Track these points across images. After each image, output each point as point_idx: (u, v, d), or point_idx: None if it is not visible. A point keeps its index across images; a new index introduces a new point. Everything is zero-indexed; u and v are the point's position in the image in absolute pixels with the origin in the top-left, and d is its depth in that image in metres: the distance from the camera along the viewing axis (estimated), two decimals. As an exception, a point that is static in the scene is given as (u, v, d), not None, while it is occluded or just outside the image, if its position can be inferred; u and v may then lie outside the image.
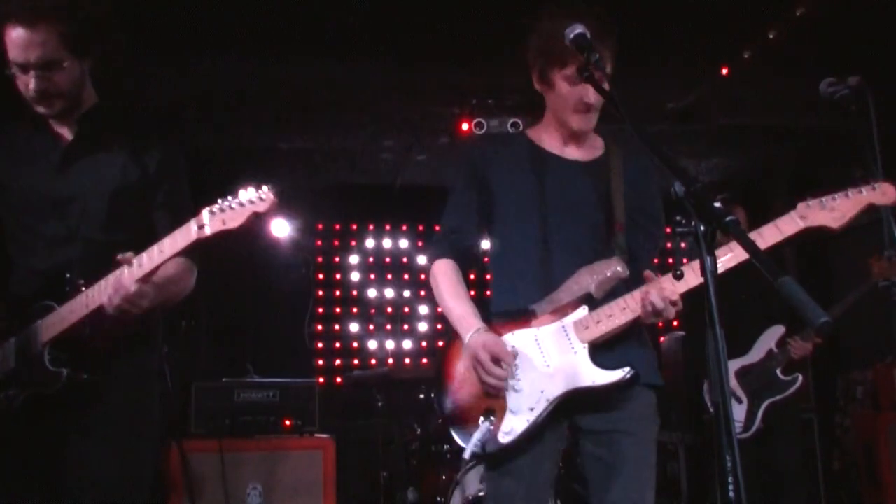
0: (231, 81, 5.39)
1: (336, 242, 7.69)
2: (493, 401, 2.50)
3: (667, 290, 2.42)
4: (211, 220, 2.31)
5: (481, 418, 2.45)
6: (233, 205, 2.31)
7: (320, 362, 7.42)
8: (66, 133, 2.67)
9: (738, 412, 4.53)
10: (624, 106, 2.15)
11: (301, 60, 5.13)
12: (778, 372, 4.60)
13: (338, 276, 7.64)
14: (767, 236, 2.46)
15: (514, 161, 2.71)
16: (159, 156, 2.68)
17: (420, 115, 6.02)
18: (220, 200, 2.32)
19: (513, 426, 2.46)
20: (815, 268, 7.20)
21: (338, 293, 7.62)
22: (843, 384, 6.48)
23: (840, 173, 6.64)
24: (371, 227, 7.75)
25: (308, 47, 4.93)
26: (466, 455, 2.45)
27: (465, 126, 5.73)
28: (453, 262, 2.73)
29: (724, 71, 5.34)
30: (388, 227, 7.78)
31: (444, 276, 2.71)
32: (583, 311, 2.51)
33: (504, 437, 2.45)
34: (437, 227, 2.82)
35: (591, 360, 2.48)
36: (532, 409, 2.46)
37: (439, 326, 7.61)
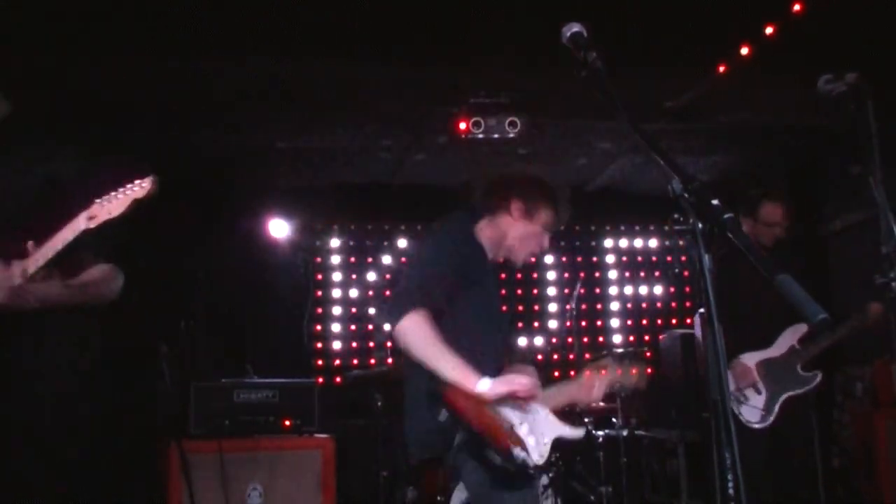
0: (229, 81, 5.38)
1: (335, 242, 7.68)
2: (513, 433, 2.93)
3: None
4: (98, 212, 2.45)
5: (514, 448, 2.87)
6: (117, 195, 2.44)
7: (320, 362, 7.41)
8: None
9: (758, 402, 4.55)
10: (621, 104, 2.15)
11: (298, 59, 5.12)
12: (799, 368, 4.64)
13: (336, 277, 7.63)
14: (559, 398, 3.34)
15: (476, 261, 3.15)
16: (72, 163, 2.76)
17: (418, 114, 6.02)
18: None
19: (541, 452, 3.03)
20: (814, 266, 7.21)
21: (336, 293, 7.60)
22: (842, 381, 6.50)
23: (838, 171, 6.66)
24: (370, 226, 7.74)
25: (305, 46, 4.93)
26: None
27: (462, 125, 5.73)
28: (429, 313, 2.88)
29: (722, 69, 5.34)
30: (386, 227, 7.76)
31: (429, 325, 2.86)
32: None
33: (538, 460, 2.98)
34: (429, 275, 3.02)
35: (558, 420, 3.17)
36: (545, 444, 3.07)
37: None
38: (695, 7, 4.66)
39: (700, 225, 1.80)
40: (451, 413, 2.83)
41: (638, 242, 8.20)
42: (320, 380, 6.18)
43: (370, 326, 7.62)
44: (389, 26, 4.82)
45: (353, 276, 7.66)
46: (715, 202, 1.79)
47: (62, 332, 2.74)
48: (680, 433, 6.09)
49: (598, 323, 7.95)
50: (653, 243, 8.23)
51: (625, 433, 5.65)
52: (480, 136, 5.66)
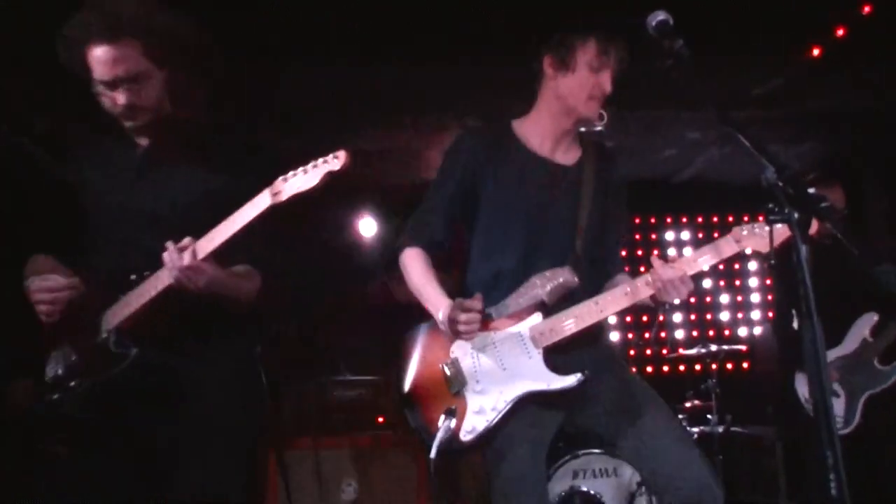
0: (313, 84, 5.45)
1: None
2: (453, 399, 2.62)
3: (679, 270, 2.56)
4: (285, 186, 2.32)
5: (442, 417, 2.56)
6: (307, 169, 2.32)
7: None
8: (144, 143, 2.71)
9: (837, 407, 4.36)
10: (708, 93, 2.11)
11: (375, 61, 5.15)
12: (875, 362, 4.42)
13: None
14: (707, 257, 2.61)
15: (502, 166, 2.78)
16: (239, 172, 2.62)
17: (499, 109, 5.99)
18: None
19: (474, 425, 2.58)
20: None
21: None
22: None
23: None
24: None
25: (378, 47, 4.95)
26: (432, 455, 2.54)
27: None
28: (423, 251, 2.81)
29: (816, 52, 5.16)
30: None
31: (415, 262, 2.79)
32: (537, 317, 2.66)
33: (466, 436, 2.58)
34: (425, 208, 2.87)
35: (545, 365, 2.61)
36: (493, 409, 2.58)
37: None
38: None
39: (796, 215, 1.75)
40: (401, 366, 2.73)
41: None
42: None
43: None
44: (463, 24, 4.80)
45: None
46: (811, 190, 1.75)
47: (225, 332, 2.65)
48: (777, 431, 5.93)
49: (693, 317, 7.80)
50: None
51: (720, 429, 5.53)
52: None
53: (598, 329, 2.76)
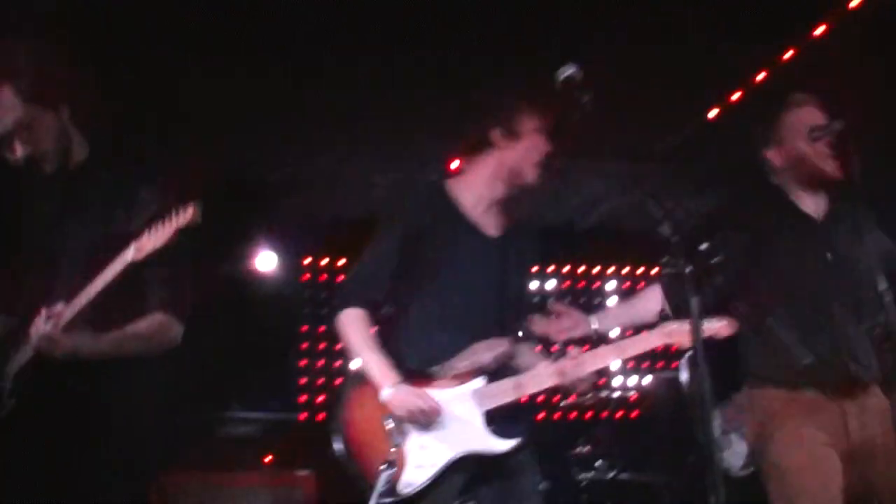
0: (221, 110, 5.37)
1: (323, 277, 7.64)
2: (392, 452, 2.63)
3: (583, 365, 2.72)
4: (145, 243, 2.36)
5: (382, 467, 2.57)
6: (161, 225, 2.36)
7: (303, 398, 7.35)
8: (56, 192, 2.60)
9: (741, 446, 4.43)
10: (612, 145, 2.16)
11: (298, 85, 5.12)
12: None
13: (324, 311, 7.58)
14: (638, 345, 2.82)
15: (442, 225, 2.84)
16: (147, 207, 2.58)
17: (413, 149, 6.03)
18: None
19: (413, 479, 2.61)
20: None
21: (322, 328, 7.55)
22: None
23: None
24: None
25: (306, 73, 4.92)
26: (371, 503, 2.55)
27: (455, 164, 5.72)
28: (363, 311, 2.81)
29: (713, 113, 5.39)
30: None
31: (357, 324, 2.79)
32: (479, 381, 2.73)
33: (404, 489, 2.60)
34: (366, 268, 2.89)
35: (485, 427, 2.69)
36: (433, 465, 2.63)
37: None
38: (687, 51, 4.72)
39: (689, 268, 1.80)
40: (336, 416, 2.74)
41: (628, 284, 8.23)
42: (303, 415, 6.15)
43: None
44: (385, 58, 4.83)
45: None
46: (704, 246, 1.80)
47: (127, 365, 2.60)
48: (666, 477, 6.04)
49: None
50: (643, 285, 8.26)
51: (609, 476, 5.61)
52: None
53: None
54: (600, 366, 2.74)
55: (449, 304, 2.79)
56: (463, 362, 2.73)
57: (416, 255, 2.82)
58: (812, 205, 2.99)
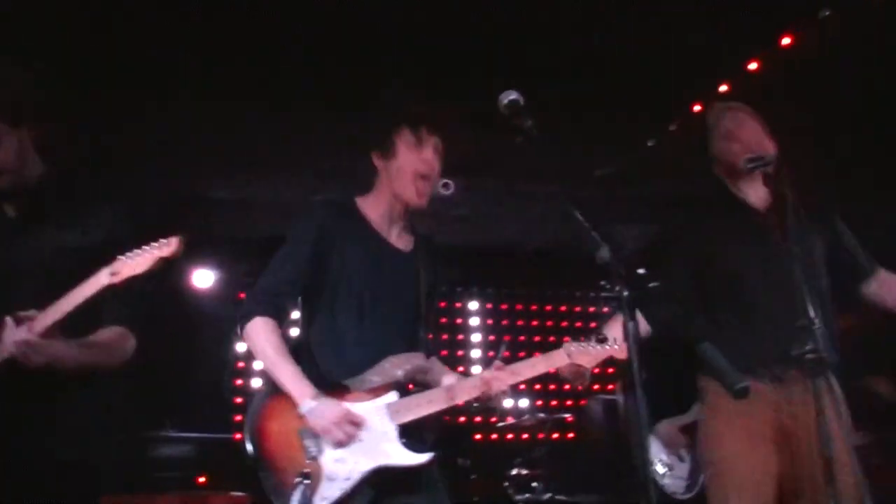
0: (165, 128, 5.33)
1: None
2: (308, 465, 2.62)
3: (504, 380, 2.77)
4: (122, 268, 2.37)
5: (297, 479, 2.57)
6: (143, 252, 2.38)
7: (239, 417, 7.25)
8: (11, 210, 2.60)
9: (681, 470, 4.48)
10: (553, 171, 2.20)
11: (239, 107, 5.10)
12: None
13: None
14: (538, 367, 2.85)
15: (352, 238, 2.86)
16: (105, 226, 2.62)
17: (355, 169, 6.03)
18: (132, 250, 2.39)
19: (329, 492, 2.60)
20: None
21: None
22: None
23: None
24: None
25: (247, 94, 4.92)
26: None
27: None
28: (274, 321, 2.78)
29: (650, 143, 5.52)
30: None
31: (269, 335, 2.75)
32: (393, 395, 2.72)
33: (320, 502, 2.59)
34: (273, 277, 2.86)
35: (399, 441, 2.68)
36: (347, 479, 2.62)
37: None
38: (630, 80, 4.83)
39: (626, 293, 1.84)
40: (250, 427, 2.72)
41: (565, 307, 8.33)
42: (238, 435, 6.03)
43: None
44: (328, 76, 4.85)
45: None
46: (641, 271, 1.84)
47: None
48: (600, 498, 6.11)
49: (522, 386, 7.97)
50: (579, 308, 8.36)
51: (545, 497, 5.64)
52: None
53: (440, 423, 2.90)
54: (518, 380, 2.80)
55: (362, 316, 2.80)
56: (377, 376, 2.73)
57: (327, 265, 2.82)
58: (754, 196, 3.15)
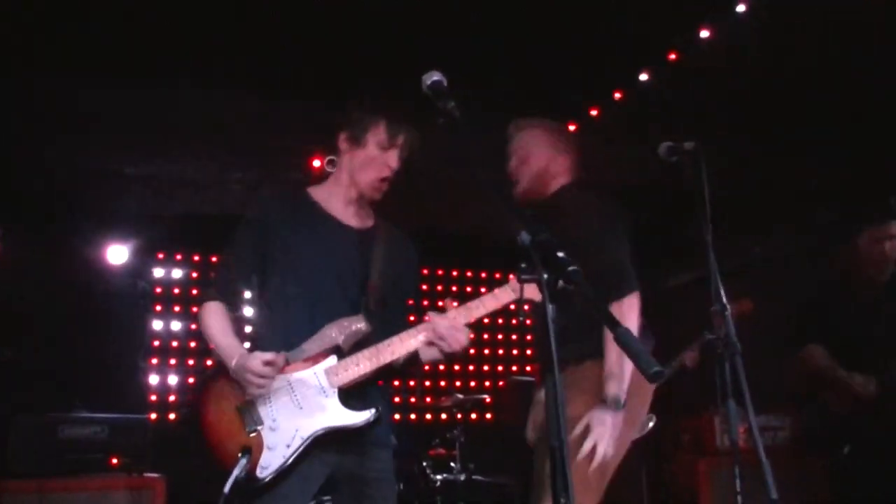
0: (78, 102, 5.18)
1: (177, 273, 7.43)
2: (249, 439, 2.71)
3: (452, 320, 2.78)
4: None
5: (239, 454, 2.64)
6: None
7: (153, 397, 7.11)
8: None
9: None
10: (474, 153, 2.20)
11: (153, 84, 5.00)
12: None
13: (176, 308, 7.37)
14: (487, 303, 2.86)
15: (297, 224, 2.95)
16: None
17: (272, 148, 5.96)
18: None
19: (270, 462, 2.67)
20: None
21: (175, 325, 7.33)
22: (672, 431, 6.79)
23: (682, 230, 7.02)
24: (215, 258, 7.53)
25: (161, 71, 4.82)
26: (226, 489, 2.61)
27: (316, 163, 5.71)
28: (222, 304, 2.93)
29: (572, 128, 5.57)
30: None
31: (214, 315, 2.90)
32: (332, 359, 2.78)
33: (261, 472, 2.66)
34: (223, 263, 3.05)
35: (340, 403, 2.75)
36: (288, 446, 2.69)
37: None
38: (551, 64, 4.87)
39: (545, 275, 1.85)
40: (193, 409, 2.79)
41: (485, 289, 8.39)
42: (153, 416, 5.93)
43: (209, 361, 7.38)
44: (249, 55, 4.79)
45: (195, 309, 7.40)
46: (561, 254, 1.85)
47: None
48: (519, 479, 6.18)
49: (441, 367, 8.03)
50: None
51: (462, 478, 5.69)
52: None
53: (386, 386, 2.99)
54: (470, 317, 2.82)
55: (307, 289, 2.87)
56: (314, 343, 2.79)
57: (274, 245, 2.90)
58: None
